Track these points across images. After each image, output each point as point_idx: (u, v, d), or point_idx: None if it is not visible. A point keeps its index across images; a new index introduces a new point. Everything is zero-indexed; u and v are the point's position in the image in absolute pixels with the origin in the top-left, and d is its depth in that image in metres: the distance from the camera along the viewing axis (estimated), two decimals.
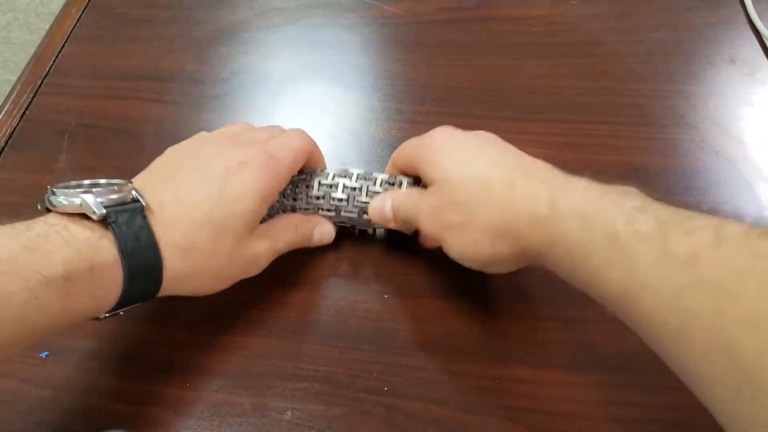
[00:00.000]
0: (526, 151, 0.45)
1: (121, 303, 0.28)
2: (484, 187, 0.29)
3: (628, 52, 0.48)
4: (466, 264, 0.31)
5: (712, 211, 0.39)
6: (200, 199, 0.30)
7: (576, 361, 0.33)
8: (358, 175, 0.36)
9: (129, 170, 0.42)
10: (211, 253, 0.30)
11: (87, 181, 0.29)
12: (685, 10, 0.51)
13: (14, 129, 0.46)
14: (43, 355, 0.35)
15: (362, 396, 0.33)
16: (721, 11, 0.50)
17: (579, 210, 0.26)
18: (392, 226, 0.35)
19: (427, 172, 0.32)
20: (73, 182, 0.29)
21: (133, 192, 0.29)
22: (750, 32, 0.49)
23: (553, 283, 0.36)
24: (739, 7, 0.50)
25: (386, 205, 0.35)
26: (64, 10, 0.54)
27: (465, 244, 0.30)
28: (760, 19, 0.49)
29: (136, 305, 0.29)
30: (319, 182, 0.36)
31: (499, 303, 0.36)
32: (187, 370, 0.34)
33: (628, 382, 0.32)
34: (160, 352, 0.35)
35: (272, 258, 0.34)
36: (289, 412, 0.33)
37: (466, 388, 0.33)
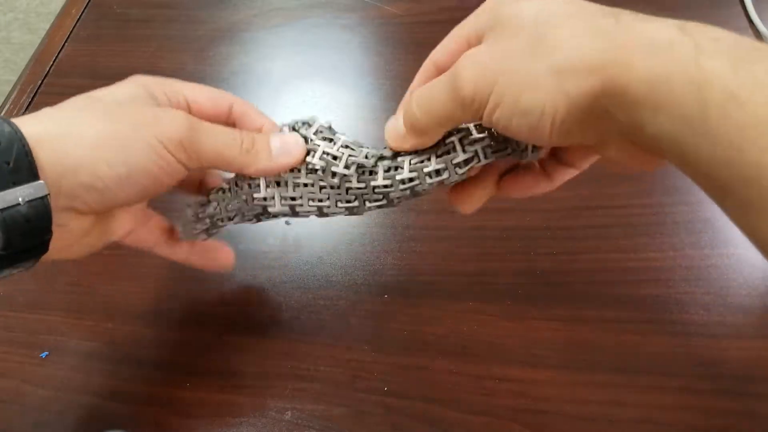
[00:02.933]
0: None
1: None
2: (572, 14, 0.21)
3: None
4: (515, 128, 0.22)
5: (712, 211, 0.39)
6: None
7: (575, 361, 0.33)
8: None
9: None
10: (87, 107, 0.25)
11: None
12: (685, 10, 0.51)
13: None
14: (43, 355, 0.35)
15: (362, 396, 0.33)
16: (721, 11, 0.50)
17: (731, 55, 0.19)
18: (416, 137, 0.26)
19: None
20: None
21: None
22: (750, 32, 0.49)
23: (553, 284, 0.36)
24: (739, 7, 0.50)
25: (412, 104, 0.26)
26: (64, 10, 0.54)
27: (525, 89, 0.21)
28: (760, 19, 0.49)
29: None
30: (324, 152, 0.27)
31: (499, 303, 0.36)
32: (187, 370, 0.34)
33: (628, 382, 0.32)
34: (160, 352, 0.35)
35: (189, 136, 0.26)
36: (289, 412, 0.33)
37: (467, 388, 0.33)
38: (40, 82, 0.49)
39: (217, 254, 0.33)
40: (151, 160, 0.25)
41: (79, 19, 0.53)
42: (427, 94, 0.25)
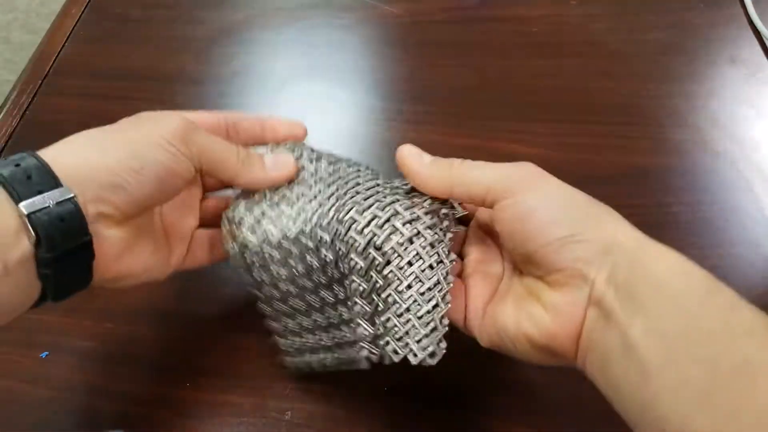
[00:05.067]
0: (525, 151, 0.45)
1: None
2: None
3: (628, 52, 0.48)
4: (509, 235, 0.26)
5: (712, 211, 0.39)
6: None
7: None
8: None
9: None
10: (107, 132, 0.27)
11: None
12: (686, 11, 0.51)
13: (14, 129, 0.46)
14: (43, 355, 0.35)
15: (363, 396, 0.33)
16: (722, 11, 0.50)
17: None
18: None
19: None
20: None
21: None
22: (750, 32, 0.49)
23: None
24: (739, 7, 0.50)
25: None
26: (64, 10, 0.54)
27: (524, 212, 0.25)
28: (760, 19, 0.49)
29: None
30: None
31: None
32: (187, 370, 0.34)
33: None
34: (160, 352, 0.35)
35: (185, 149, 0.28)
36: (289, 412, 0.33)
37: (467, 388, 0.33)
38: (40, 82, 0.49)
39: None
40: (160, 153, 0.27)
41: (79, 19, 0.53)
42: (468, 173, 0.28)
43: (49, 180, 0.24)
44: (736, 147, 0.42)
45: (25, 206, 0.23)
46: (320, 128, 0.45)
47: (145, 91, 0.48)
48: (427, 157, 0.29)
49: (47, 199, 0.23)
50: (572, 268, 0.24)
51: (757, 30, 0.49)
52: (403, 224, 0.26)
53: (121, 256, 0.27)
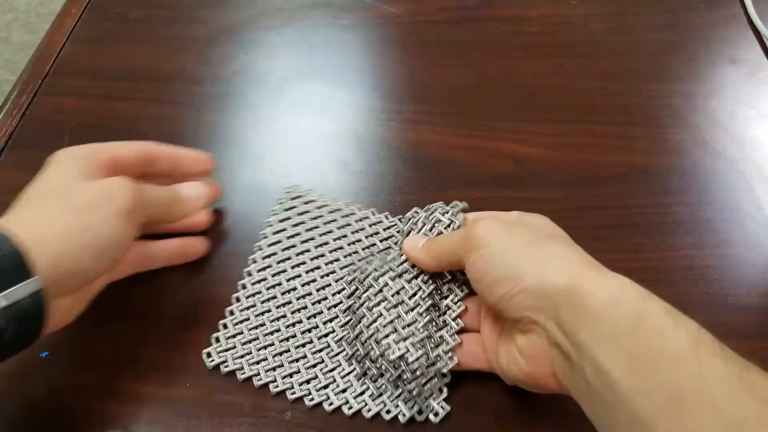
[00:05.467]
0: (526, 151, 0.45)
1: None
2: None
3: (628, 52, 0.48)
4: (485, 288, 0.28)
5: (712, 211, 0.39)
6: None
7: None
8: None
9: None
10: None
11: None
12: (686, 11, 0.51)
13: (14, 129, 0.46)
14: (43, 355, 0.35)
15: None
16: (722, 11, 0.50)
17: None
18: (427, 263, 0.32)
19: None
20: None
21: None
22: (750, 32, 0.49)
23: None
24: (739, 7, 0.50)
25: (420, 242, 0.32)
26: (64, 10, 0.54)
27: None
28: (760, 19, 0.49)
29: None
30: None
31: None
32: (187, 370, 0.34)
33: None
34: (159, 352, 0.35)
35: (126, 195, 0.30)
36: (289, 412, 0.33)
37: (467, 388, 0.33)
38: (40, 82, 0.49)
39: (193, 248, 0.38)
40: (117, 232, 0.30)
41: (79, 19, 0.53)
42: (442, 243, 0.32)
43: (22, 273, 0.26)
44: (736, 147, 0.42)
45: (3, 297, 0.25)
46: (320, 128, 0.45)
47: (145, 91, 0.48)
48: (420, 242, 0.32)
49: (19, 293, 0.25)
50: (525, 317, 0.26)
51: (757, 30, 0.49)
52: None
53: (61, 319, 0.30)
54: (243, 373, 0.33)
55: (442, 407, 0.31)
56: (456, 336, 0.32)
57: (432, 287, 0.33)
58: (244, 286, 0.36)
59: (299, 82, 0.48)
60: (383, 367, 0.32)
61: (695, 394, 0.21)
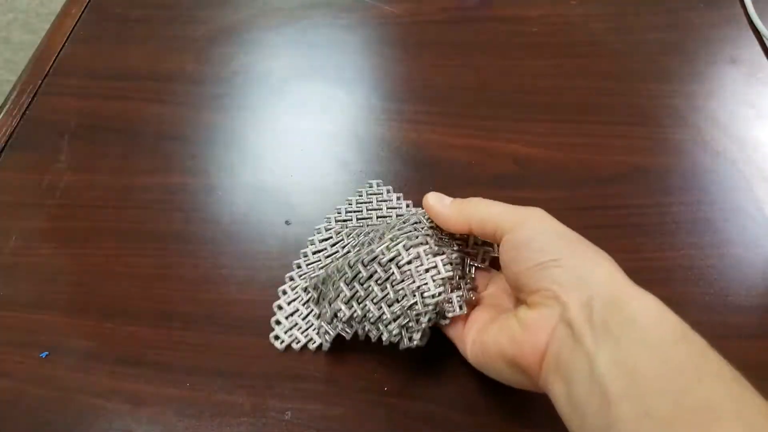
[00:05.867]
0: (526, 151, 0.45)
1: None
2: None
3: (628, 52, 0.48)
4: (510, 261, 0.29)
5: (712, 211, 0.39)
6: None
7: None
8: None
9: (129, 170, 0.42)
10: None
11: None
12: (686, 11, 0.51)
13: (14, 129, 0.46)
14: (43, 355, 0.35)
15: (362, 396, 0.33)
16: (722, 11, 0.50)
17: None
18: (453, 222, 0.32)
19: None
20: None
21: None
22: (750, 32, 0.49)
23: None
24: (739, 7, 0.50)
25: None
26: (64, 10, 0.54)
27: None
28: (760, 19, 0.49)
29: None
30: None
31: None
32: (187, 370, 0.34)
33: None
34: (160, 352, 0.35)
35: None
36: (289, 412, 0.33)
37: (467, 388, 0.33)
38: (40, 82, 0.49)
39: None
40: None
41: (79, 19, 0.53)
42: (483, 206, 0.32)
43: None
44: (736, 147, 0.43)
45: None
46: (320, 128, 0.45)
47: (145, 91, 0.48)
48: (447, 200, 0.33)
49: None
50: (548, 289, 0.27)
51: (757, 30, 0.49)
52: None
53: None
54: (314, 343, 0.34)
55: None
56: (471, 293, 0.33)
57: (456, 253, 0.33)
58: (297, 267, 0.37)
59: (299, 82, 0.48)
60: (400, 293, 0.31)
61: (726, 410, 0.21)
